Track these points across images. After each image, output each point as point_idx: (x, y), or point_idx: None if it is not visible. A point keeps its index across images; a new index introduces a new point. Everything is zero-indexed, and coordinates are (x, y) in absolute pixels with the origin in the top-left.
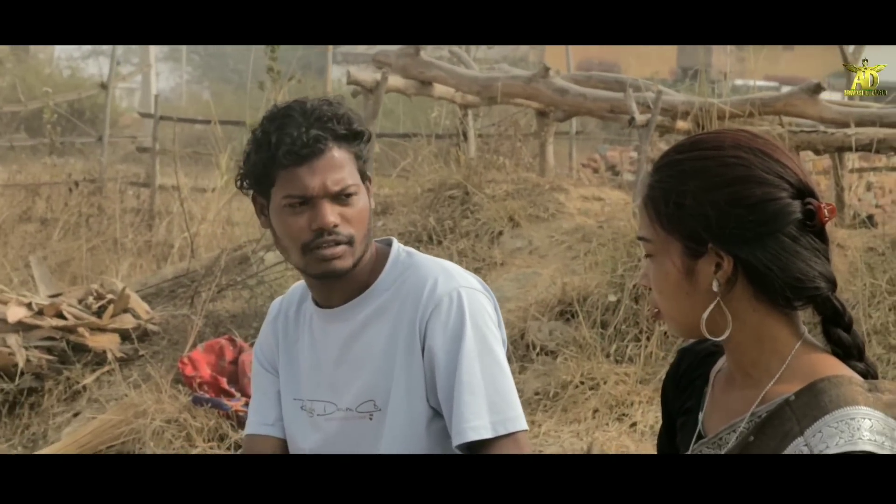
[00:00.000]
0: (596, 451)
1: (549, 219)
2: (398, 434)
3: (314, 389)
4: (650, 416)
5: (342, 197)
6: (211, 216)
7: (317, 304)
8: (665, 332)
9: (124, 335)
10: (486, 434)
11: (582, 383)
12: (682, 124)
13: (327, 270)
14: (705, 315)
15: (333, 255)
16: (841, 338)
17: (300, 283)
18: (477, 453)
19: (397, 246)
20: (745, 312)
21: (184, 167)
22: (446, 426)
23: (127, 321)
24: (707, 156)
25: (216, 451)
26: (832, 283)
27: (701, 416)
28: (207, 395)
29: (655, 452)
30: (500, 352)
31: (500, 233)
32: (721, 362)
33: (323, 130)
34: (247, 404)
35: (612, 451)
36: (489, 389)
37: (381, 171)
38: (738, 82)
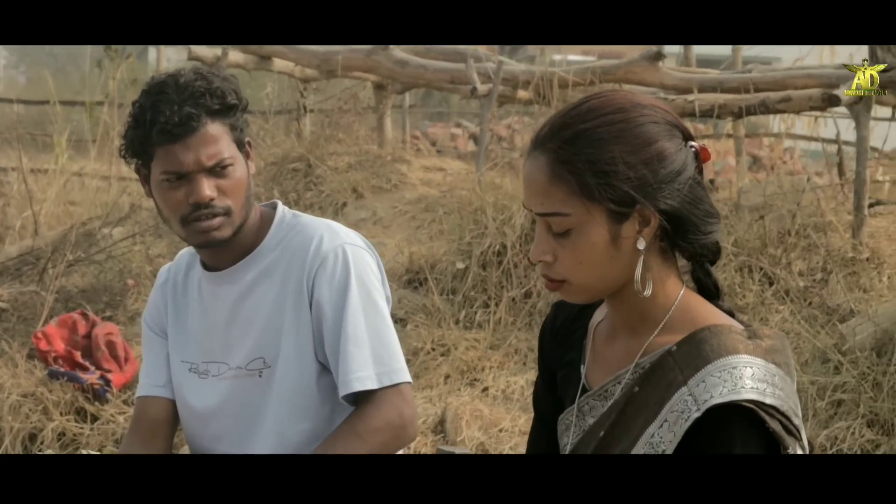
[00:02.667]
0: (450, 416)
1: (392, 189)
2: (287, 389)
3: (206, 352)
4: (501, 381)
5: (217, 170)
6: (52, 195)
7: (205, 267)
8: (513, 298)
9: None
10: (372, 385)
11: (433, 349)
12: (523, 94)
13: (206, 241)
14: (638, 274)
15: (210, 226)
16: (711, 274)
17: (188, 250)
18: (362, 403)
19: (282, 208)
20: (652, 266)
21: (16, 148)
22: (334, 380)
23: None
24: (616, 119)
25: (73, 425)
26: (719, 218)
27: (583, 368)
28: (63, 369)
29: (514, 415)
30: (384, 306)
31: (344, 204)
32: (599, 315)
33: (195, 107)
34: (101, 377)
35: (466, 416)
36: (374, 342)
37: None
38: (557, 57)
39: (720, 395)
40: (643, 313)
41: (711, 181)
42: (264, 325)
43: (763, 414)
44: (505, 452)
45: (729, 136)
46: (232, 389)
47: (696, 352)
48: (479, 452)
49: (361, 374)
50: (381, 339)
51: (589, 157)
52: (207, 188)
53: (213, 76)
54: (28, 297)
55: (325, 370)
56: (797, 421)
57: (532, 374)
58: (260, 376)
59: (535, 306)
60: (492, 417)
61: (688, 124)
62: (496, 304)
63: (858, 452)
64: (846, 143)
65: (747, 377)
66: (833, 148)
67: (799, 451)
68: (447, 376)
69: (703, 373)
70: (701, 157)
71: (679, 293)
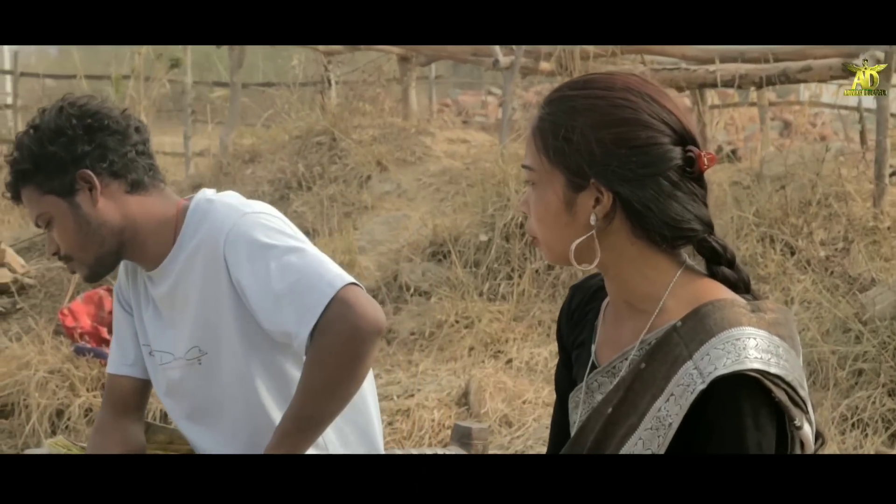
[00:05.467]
0: (473, 388)
1: (416, 162)
2: (227, 373)
3: (157, 340)
4: (525, 353)
5: (47, 227)
6: None
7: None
8: (537, 270)
9: (1, 289)
10: (310, 324)
11: (457, 322)
12: (545, 66)
13: (83, 279)
14: (573, 245)
15: (71, 270)
16: (726, 275)
17: None
18: (316, 336)
19: (198, 197)
20: (622, 246)
21: None
22: (270, 356)
23: (3, 275)
24: (598, 95)
25: (99, 400)
26: (708, 226)
27: (594, 347)
28: (89, 345)
29: (538, 387)
30: (295, 243)
31: (369, 177)
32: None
33: (12, 177)
34: None
35: (490, 388)
36: (298, 286)
37: (244, 121)
38: None
39: (724, 367)
40: (636, 289)
41: (734, 151)
42: (195, 314)
43: (768, 383)
44: (528, 424)
45: (753, 104)
46: (181, 378)
47: (700, 326)
48: (503, 424)
49: (301, 325)
50: (300, 276)
51: (556, 119)
52: (48, 243)
53: (25, 139)
54: (54, 274)
55: (263, 345)
56: (803, 393)
57: (556, 346)
58: (200, 364)
59: (558, 278)
60: (515, 389)
61: (712, 92)
62: (519, 276)
63: (879, 422)
64: (868, 110)
65: (751, 348)
66: (856, 116)
67: (805, 424)
68: (471, 348)
69: (707, 346)
70: (698, 163)
71: (676, 273)
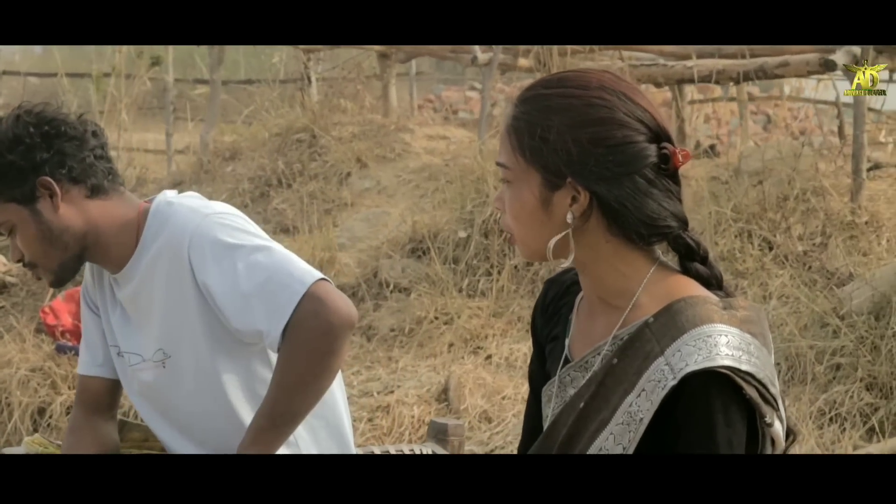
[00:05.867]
0: (453, 384)
1: (395, 159)
2: (191, 375)
3: (125, 342)
4: (504, 349)
5: (10, 234)
6: None
7: None
8: (516, 266)
9: None
10: (280, 325)
11: (436, 318)
12: (524, 62)
13: (48, 285)
14: (552, 243)
15: (36, 277)
16: (699, 271)
17: None
18: (289, 333)
19: (158, 200)
20: (598, 243)
21: None
22: (237, 356)
23: None
24: (573, 94)
25: None
26: (683, 223)
27: (567, 341)
28: (70, 343)
29: (517, 382)
30: (261, 242)
31: (349, 174)
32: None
33: None
34: None
35: (470, 384)
36: (267, 284)
37: (225, 118)
38: None
39: (695, 363)
40: (610, 286)
41: (712, 147)
42: (160, 317)
43: (739, 380)
44: (508, 420)
45: (731, 99)
46: (152, 380)
47: (671, 322)
48: (483, 420)
49: (272, 323)
50: (269, 275)
51: (531, 119)
52: (12, 251)
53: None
54: None
55: (228, 347)
56: (774, 390)
57: None
58: (164, 367)
59: (537, 274)
60: (495, 385)
61: (691, 88)
62: (498, 273)
63: (857, 416)
64: (846, 105)
65: (722, 345)
66: (835, 111)
67: (776, 422)
68: (451, 345)
69: (678, 342)
70: (672, 161)
71: (650, 269)
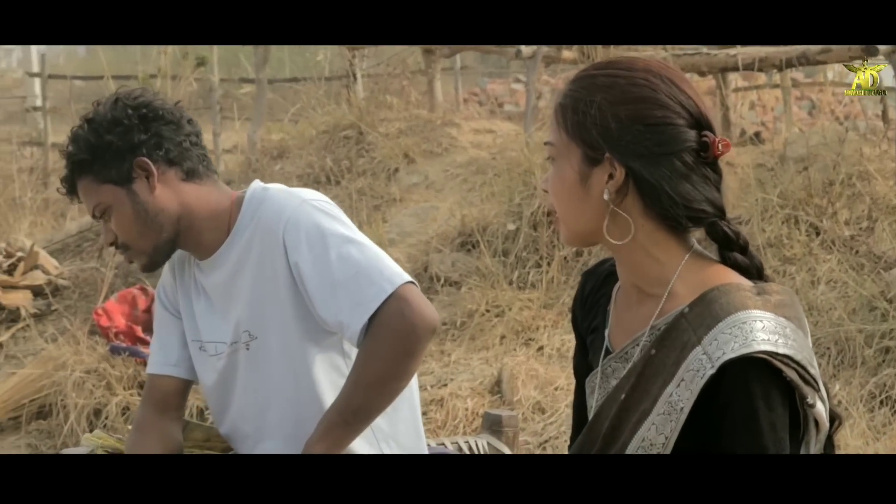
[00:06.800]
0: (506, 376)
1: (442, 153)
2: (276, 357)
3: (208, 331)
4: (556, 340)
5: (103, 216)
6: None
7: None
8: (565, 258)
9: (36, 291)
10: (364, 318)
11: (488, 311)
12: (567, 54)
13: (139, 269)
14: (604, 224)
15: (129, 260)
16: (737, 261)
17: None
18: (372, 330)
19: (254, 186)
20: (633, 224)
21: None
22: (322, 343)
23: (38, 277)
24: (618, 74)
25: (136, 399)
26: (720, 211)
27: (607, 332)
28: (124, 344)
29: (569, 373)
30: (354, 235)
31: (397, 170)
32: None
33: (68, 170)
34: None
35: (522, 376)
36: (358, 277)
37: (272, 117)
38: None
39: (732, 351)
40: (646, 273)
41: (757, 134)
42: (247, 298)
43: (778, 363)
44: (560, 410)
45: (776, 86)
46: (227, 365)
47: (707, 311)
48: (536, 411)
49: (354, 316)
50: (359, 269)
51: (577, 95)
52: (106, 234)
53: (80, 131)
54: (88, 274)
55: (315, 332)
56: (813, 371)
57: None
58: (248, 349)
59: (586, 264)
60: (547, 376)
61: (735, 75)
62: (548, 264)
63: None
64: (890, 89)
65: (758, 330)
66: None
67: (818, 402)
68: (502, 337)
69: (715, 331)
70: (712, 149)
71: (684, 256)
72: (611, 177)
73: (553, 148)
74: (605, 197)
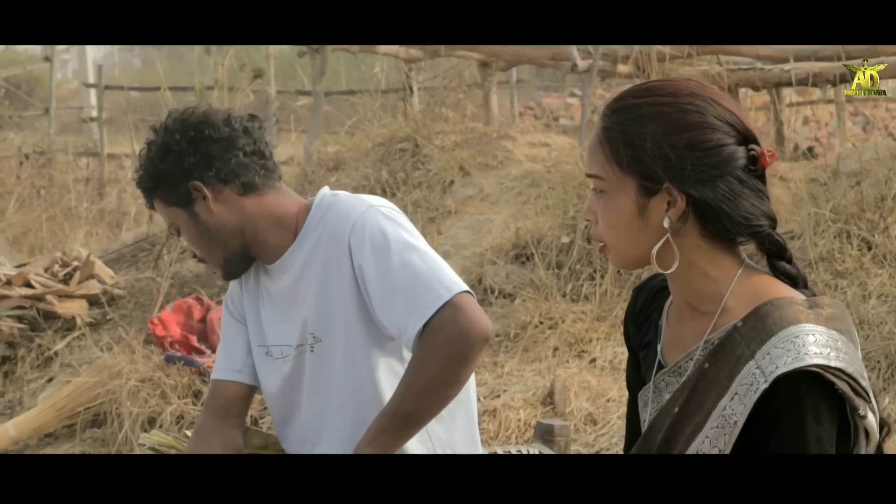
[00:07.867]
0: (558, 387)
1: (498, 166)
2: (340, 359)
3: (274, 335)
4: (608, 352)
5: (178, 234)
6: None
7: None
8: (619, 271)
9: (92, 300)
10: (419, 324)
11: (541, 323)
12: (623, 68)
13: (221, 279)
14: (655, 250)
15: (211, 270)
16: (786, 269)
17: None
18: (426, 336)
19: (323, 192)
20: (690, 248)
21: (129, 135)
22: (384, 346)
23: (93, 287)
24: (664, 101)
25: (191, 408)
26: (773, 221)
27: (660, 347)
28: (179, 354)
29: (621, 385)
30: (417, 243)
31: (452, 182)
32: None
33: (143, 194)
34: None
35: (575, 388)
36: (416, 285)
37: (328, 129)
38: None
39: (785, 365)
40: (700, 291)
41: (810, 149)
42: (313, 301)
43: (830, 376)
44: (612, 422)
45: (830, 101)
46: (293, 368)
47: (760, 325)
48: (588, 422)
49: (411, 321)
50: (419, 276)
51: (625, 128)
52: (188, 248)
53: (143, 158)
54: (144, 284)
55: (378, 336)
56: (865, 383)
57: None
58: (312, 351)
59: (639, 277)
60: (599, 388)
61: (789, 90)
62: (601, 277)
63: None
64: None
65: (811, 344)
66: None
67: (870, 413)
68: (555, 349)
69: (768, 345)
70: (760, 161)
71: (737, 271)
72: (670, 205)
73: (601, 181)
74: (666, 225)
